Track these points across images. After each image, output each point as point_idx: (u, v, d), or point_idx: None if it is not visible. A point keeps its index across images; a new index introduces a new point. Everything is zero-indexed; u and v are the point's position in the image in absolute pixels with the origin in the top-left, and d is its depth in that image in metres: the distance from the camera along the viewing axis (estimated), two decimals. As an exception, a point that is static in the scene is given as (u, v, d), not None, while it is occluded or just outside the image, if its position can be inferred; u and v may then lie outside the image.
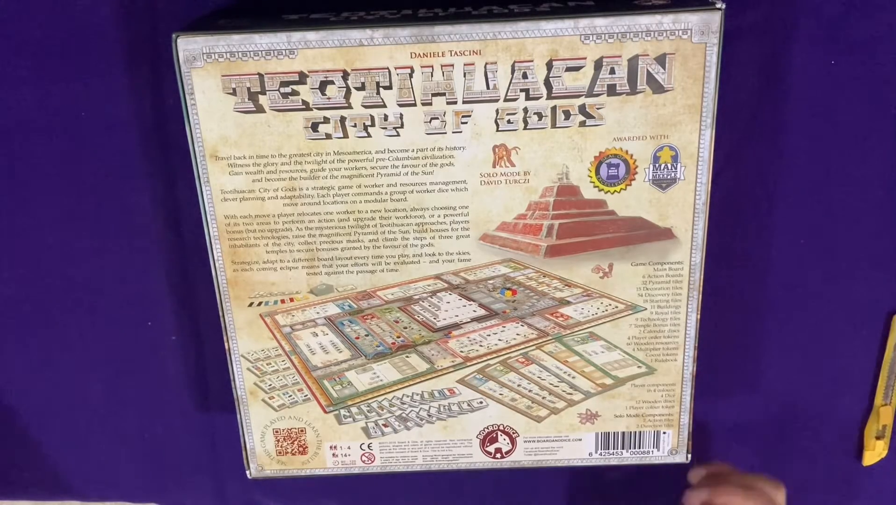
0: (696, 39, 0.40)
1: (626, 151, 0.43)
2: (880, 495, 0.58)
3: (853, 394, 0.55)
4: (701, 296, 0.46)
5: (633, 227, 0.44)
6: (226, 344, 0.47)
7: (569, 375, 0.48)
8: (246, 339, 0.47)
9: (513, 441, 0.50)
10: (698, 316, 0.47)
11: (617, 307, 0.46)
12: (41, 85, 0.48)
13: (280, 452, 0.50)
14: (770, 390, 0.55)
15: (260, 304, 0.46)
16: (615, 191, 0.44)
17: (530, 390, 0.48)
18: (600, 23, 0.40)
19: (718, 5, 0.40)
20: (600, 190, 0.44)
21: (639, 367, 0.48)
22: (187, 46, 0.40)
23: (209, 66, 0.41)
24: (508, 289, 0.46)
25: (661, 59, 0.41)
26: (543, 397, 0.48)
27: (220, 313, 0.46)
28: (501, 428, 0.49)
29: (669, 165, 0.43)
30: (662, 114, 0.42)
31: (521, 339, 0.47)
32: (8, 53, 0.48)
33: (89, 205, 0.51)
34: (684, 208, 0.44)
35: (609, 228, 0.44)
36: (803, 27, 0.46)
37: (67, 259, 0.53)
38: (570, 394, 0.48)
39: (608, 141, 0.42)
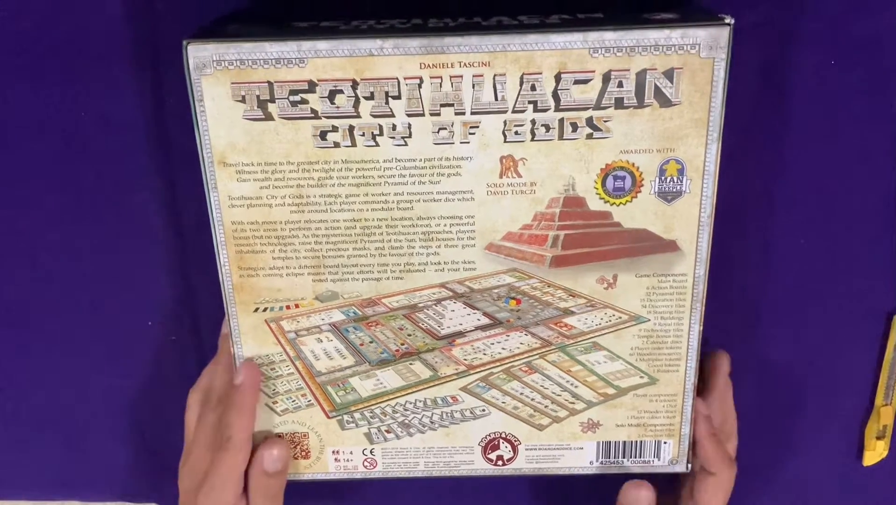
0: (704, 54, 0.41)
1: (633, 164, 0.43)
2: (880, 495, 0.58)
3: (853, 394, 0.55)
4: (704, 307, 0.46)
5: (637, 239, 0.45)
6: (231, 349, 0.47)
7: (571, 384, 0.48)
8: (251, 343, 0.47)
9: (514, 449, 0.50)
10: (701, 328, 0.47)
11: (620, 318, 0.47)
12: (45, 88, 0.48)
13: (282, 457, 0.50)
14: (770, 390, 0.55)
15: (265, 309, 0.46)
16: (621, 203, 0.44)
17: (533, 399, 0.49)
18: (609, 36, 0.40)
19: (727, 21, 0.40)
20: (606, 202, 0.44)
21: (641, 377, 0.48)
22: (197, 53, 0.40)
23: (219, 74, 0.41)
24: (513, 298, 0.47)
25: (668, 74, 0.41)
26: (546, 406, 0.49)
27: (226, 318, 0.46)
28: (503, 436, 0.50)
29: (675, 178, 0.43)
30: (669, 127, 0.42)
31: (524, 348, 0.48)
32: (11, 56, 0.48)
33: (90, 206, 0.52)
34: (689, 221, 0.44)
35: (614, 240, 0.45)
36: (803, 27, 0.46)
37: (68, 260, 0.53)
38: (573, 403, 0.49)
39: (615, 153, 0.43)
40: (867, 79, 0.47)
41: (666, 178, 0.43)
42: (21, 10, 0.47)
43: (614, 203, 0.44)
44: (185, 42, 0.40)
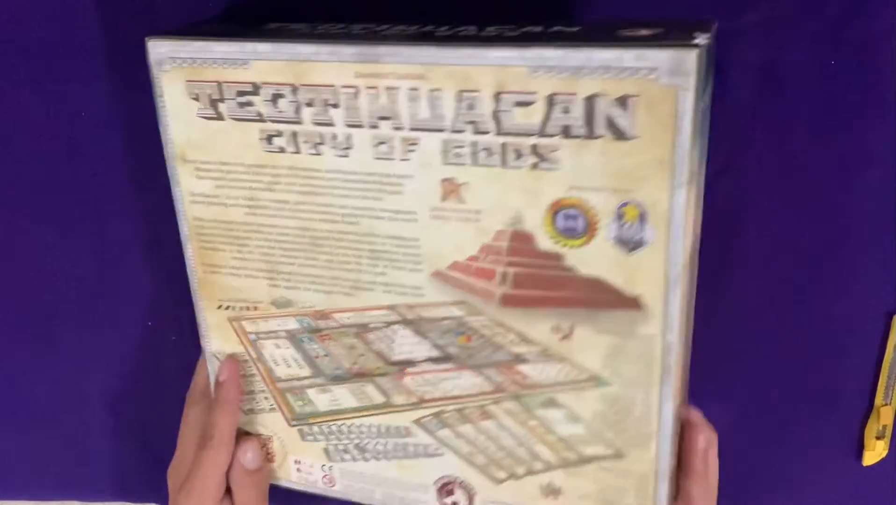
0: (665, 81, 0.34)
1: (585, 203, 0.37)
2: (880, 495, 0.56)
3: (853, 394, 0.53)
4: (681, 380, 0.39)
5: (594, 290, 0.39)
6: (202, 344, 0.48)
7: (529, 439, 0.43)
8: (218, 340, 0.48)
9: (471, 499, 0.46)
10: (676, 403, 0.40)
11: (578, 375, 0.41)
12: (35, 86, 0.51)
13: (252, 455, 0.50)
14: (769, 390, 0.53)
15: (228, 308, 0.47)
16: (574, 245, 0.38)
17: (486, 448, 0.44)
18: (550, 54, 0.35)
19: (697, 41, 0.33)
20: (557, 242, 0.38)
21: (606, 447, 0.42)
22: (155, 49, 0.41)
23: (175, 71, 0.41)
24: (463, 334, 0.43)
25: (622, 101, 0.35)
26: (501, 458, 0.44)
27: (195, 311, 0.47)
28: (458, 482, 0.46)
29: (636, 225, 0.37)
30: (626, 165, 0.36)
31: (476, 390, 0.43)
32: (9, 56, 0.50)
33: (89, 205, 0.53)
34: (654, 277, 0.37)
35: (567, 286, 0.39)
36: (803, 28, 0.44)
37: (68, 259, 0.55)
38: (531, 460, 0.43)
39: (564, 188, 0.37)
40: (867, 79, 0.45)
41: (624, 224, 0.37)
42: (9, 13, 0.49)
43: (567, 244, 0.38)
44: (147, 38, 0.41)
